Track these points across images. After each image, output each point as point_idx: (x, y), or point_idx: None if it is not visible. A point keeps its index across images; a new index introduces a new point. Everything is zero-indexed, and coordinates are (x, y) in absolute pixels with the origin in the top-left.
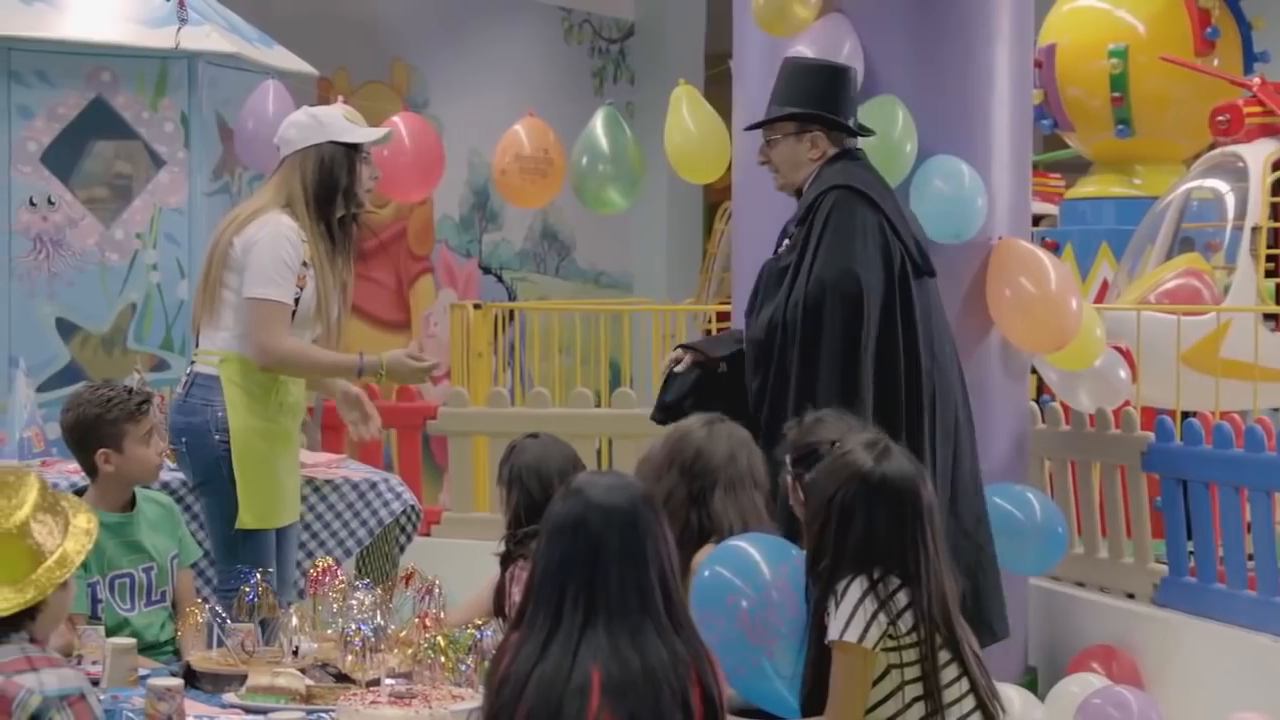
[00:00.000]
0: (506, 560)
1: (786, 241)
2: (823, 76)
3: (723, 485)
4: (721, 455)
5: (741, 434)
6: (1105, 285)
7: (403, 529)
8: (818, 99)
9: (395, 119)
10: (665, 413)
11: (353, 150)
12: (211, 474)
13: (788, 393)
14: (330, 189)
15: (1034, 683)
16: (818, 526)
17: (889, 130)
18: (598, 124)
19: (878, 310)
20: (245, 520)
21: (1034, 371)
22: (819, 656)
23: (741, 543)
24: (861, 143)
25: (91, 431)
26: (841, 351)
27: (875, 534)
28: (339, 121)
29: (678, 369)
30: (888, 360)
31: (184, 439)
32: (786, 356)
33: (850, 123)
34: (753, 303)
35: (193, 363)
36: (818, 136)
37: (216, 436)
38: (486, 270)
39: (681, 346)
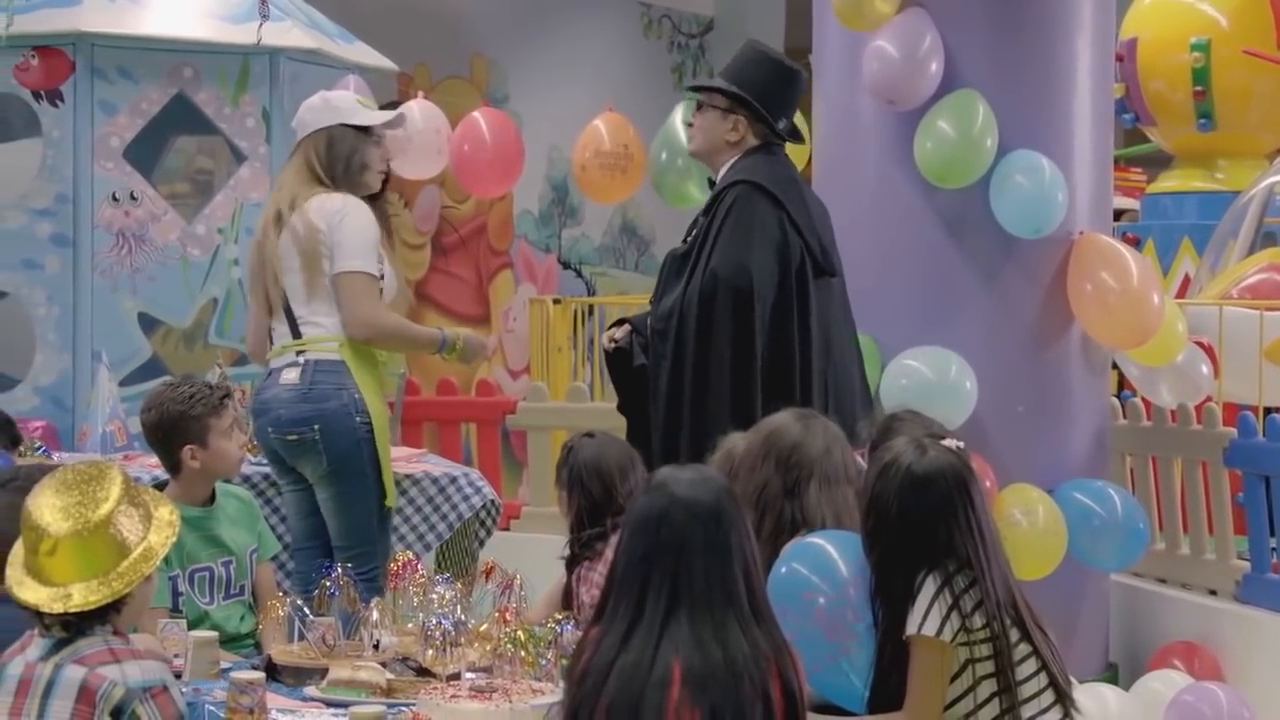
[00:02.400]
0: (572, 563)
1: (694, 232)
2: (772, 70)
3: (818, 479)
4: (818, 449)
5: (835, 429)
6: (1187, 280)
7: (482, 523)
8: (757, 88)
9: (475, 114)
10: (627, 391)
11: (363, 133)
12: (353, 457)
13: (684, 385)
14: (340, 169)
15: (1115, 679)
16: (869, 526)
17: (969, 125)
18: (677, 119)
19: (769, 307)
20: (390, 498)
21: (1115, 367)
22: (883, 653)
23: (819, 539)
24: (940, 136)
25: (176, 428)
26: (731, 346)
27: (926, 530)
28: (350, 103)
29: (619, 337)
30: (781, 359)
31: (317, 426)
32: (683, 348)
33: (780, 125)
34: (657, 291)
35: (300, 352)
36: (740, 121)
37: (358, 419)
38: (566, 265)
39: (619, 322)
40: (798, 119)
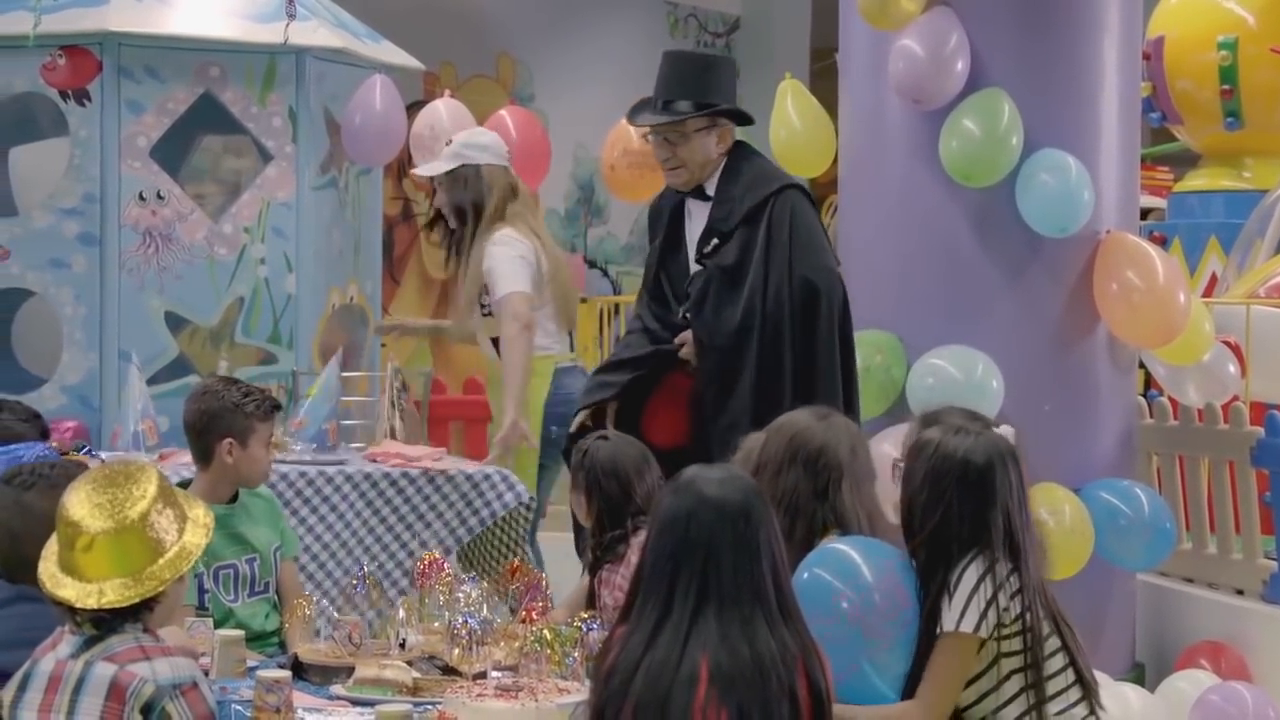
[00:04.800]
0: (595, 567)
1: (715, 241)
2: (720, 70)
3: (849, 480)
4: (845, 450)
5: (854, 426)
6: (1214, 279)
7: (515, 522)
8: (724, 92)
9: (502, 113)
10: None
11: None
12: None
13: (781, 393)
14: None
15: (1141, 678)
16: (920, 509)
17: (994, 124)
18: None
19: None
20: None
21: (1142, 366)
22: (924, 642)
23: (841, 544)
24: (966, 135)
25: (222, 419)
26: (841, 349)
27: (979, 512)
28: None
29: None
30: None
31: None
32: (774, 358)
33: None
34: (700, 305)
35: None
36: (725, 130)
37: None
38: (592, 264)
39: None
40: (817, 115)
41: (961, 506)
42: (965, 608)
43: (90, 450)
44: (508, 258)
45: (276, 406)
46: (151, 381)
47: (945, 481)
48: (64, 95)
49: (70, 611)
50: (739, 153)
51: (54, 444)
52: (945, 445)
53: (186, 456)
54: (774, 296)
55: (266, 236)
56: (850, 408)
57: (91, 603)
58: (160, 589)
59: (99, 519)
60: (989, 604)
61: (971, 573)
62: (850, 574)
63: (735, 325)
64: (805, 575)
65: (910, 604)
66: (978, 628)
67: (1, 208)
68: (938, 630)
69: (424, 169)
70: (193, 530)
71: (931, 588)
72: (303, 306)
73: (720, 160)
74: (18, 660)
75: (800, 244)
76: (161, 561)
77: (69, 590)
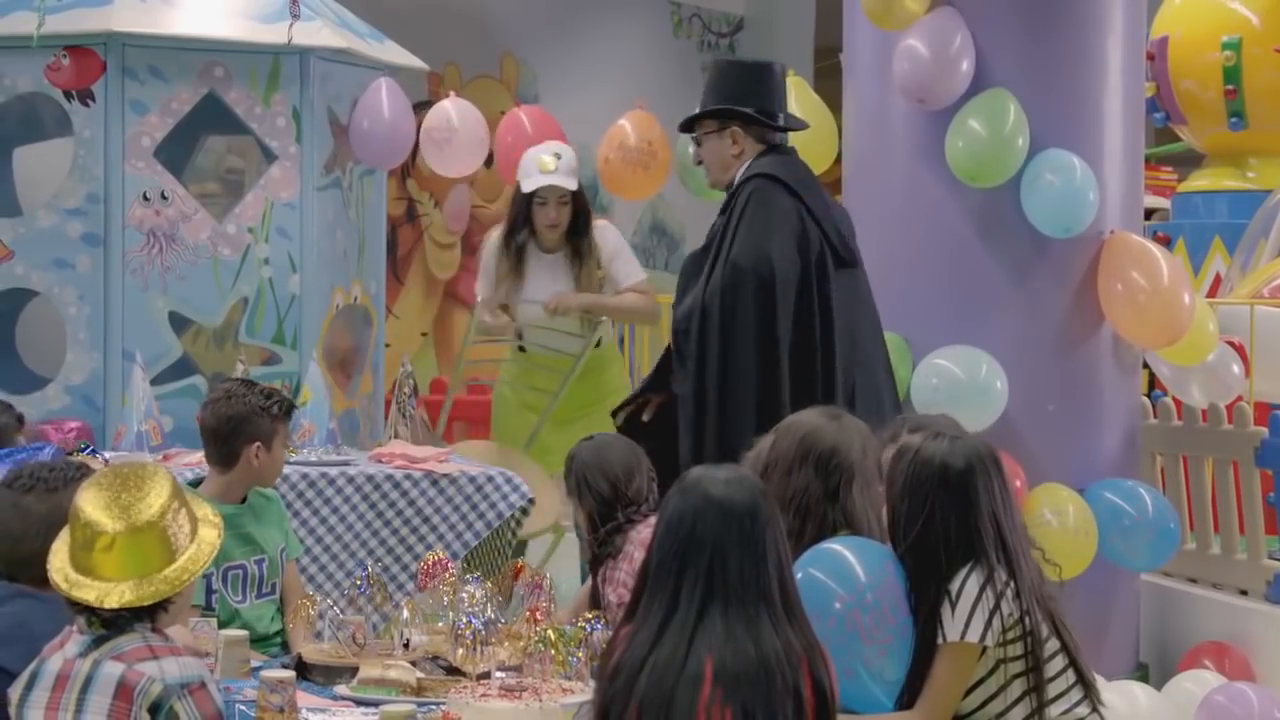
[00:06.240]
0: (596, 565)
1: (711, 231)
2: (743, 74)
3: (859, 481)
4: (857, 451)
5: (864, 427)
6: (1218, 279)
7: (519, 522)
8: (735, 96)
9: (516, 110)
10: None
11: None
12: None
13: (707, 380)
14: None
15: (1145, 679)
16: (905, 517)
17: (1000, 124)
18: None
19: (793, 296)
20: None
21: (1146, 366)
22: (920, 649)
23: (835, 544)
24: (972, 135)
25: (250, 423)
26: (757, 335)
27: (966, 518)
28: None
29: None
30: (805, 349)
31: None
32: (706, 343)
33: (780, 118)
34: (677, 293)
35: None
36: (736, 133)
37: None
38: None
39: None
40: (821, 115)
41: (944, 511)
42: (970, 617)
43: (94, 450)
44: (627, 245)
45: (293, 405)
46: (155, 382)
47: (926, 487)
48: (68, 95)
49: (86, 611)
50: (771, 154)
51: (49, 441)
52: (924, 451)
53: (190, 457)
54: (714, 282)
55: (270, 236)
56: (800, 397)
57: (113, 602)
58: (175, 591)
59: (117, 520)
60: (992, 612)
61: (973, 583)
62: (844, 574)
63: (686, 311)
64: (799, 575)
65: (905, 607)
66: (983, 636)
67: (5, 208)
68: (939, 640)
69: (560, 183)
70: (205, 529)
71: (925, 595)
72: (307, 307)
73: (741, 164)
74: (15, 654)
75: (744, 229)
76: (179, 561)
77: (88, 591)
